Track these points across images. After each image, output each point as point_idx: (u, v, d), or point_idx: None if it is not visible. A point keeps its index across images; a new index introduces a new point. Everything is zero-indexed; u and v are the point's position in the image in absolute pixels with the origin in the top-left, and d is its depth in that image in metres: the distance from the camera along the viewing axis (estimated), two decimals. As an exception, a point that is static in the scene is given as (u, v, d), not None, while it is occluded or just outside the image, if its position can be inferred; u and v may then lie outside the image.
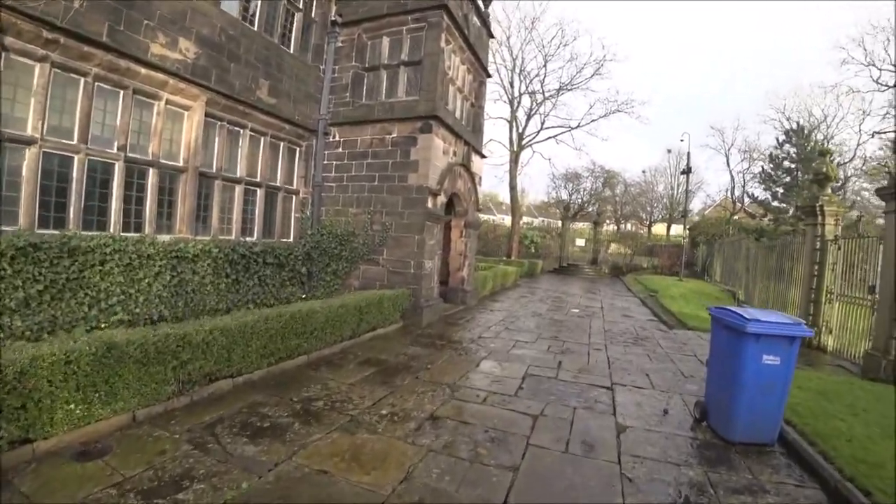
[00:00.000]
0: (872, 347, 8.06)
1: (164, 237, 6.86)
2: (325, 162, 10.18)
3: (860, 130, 30.63)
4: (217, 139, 8.03)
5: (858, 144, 30.49)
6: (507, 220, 28.70)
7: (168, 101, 7.03)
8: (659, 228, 53.19)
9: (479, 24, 12.32)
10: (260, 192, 9.00)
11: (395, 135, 9.60)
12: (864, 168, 29.30)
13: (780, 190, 29.16)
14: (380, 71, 10.13)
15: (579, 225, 42.86)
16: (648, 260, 31.88)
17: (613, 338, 9.31)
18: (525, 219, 58.17)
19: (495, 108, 44.62)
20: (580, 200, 36.17)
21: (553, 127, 28.68)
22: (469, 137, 11.44)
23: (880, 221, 23.62)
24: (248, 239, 8.62)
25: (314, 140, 10.01)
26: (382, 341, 7.64)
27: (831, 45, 68.82)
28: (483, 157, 12.91)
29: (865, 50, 28.85)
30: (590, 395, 5.63)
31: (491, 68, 27.77)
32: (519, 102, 27.94)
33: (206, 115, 7.65)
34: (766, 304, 13.97)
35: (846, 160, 29.19)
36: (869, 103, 30.63)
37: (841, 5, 65.95)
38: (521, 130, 28.05)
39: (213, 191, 8.02)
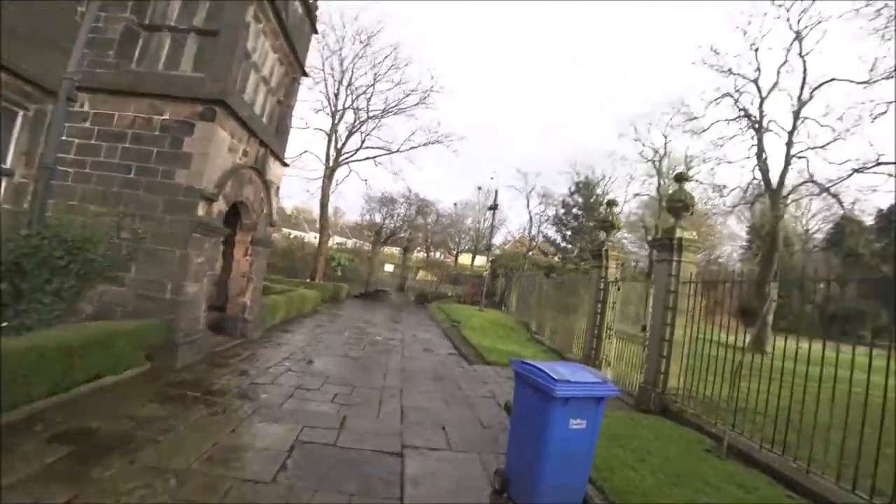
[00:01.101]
0: (644, 381, 8.58)
1: None
2: (64, 138, 7.46)
3: (627, 190, 37.14)
4: None
5: (625, 202, 36.64)
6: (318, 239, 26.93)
7: None
8: (464, 259, 56.28)
9: (301, 12, 10.84)
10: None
11: (167, 117, 7.49)
12: (626, 221, 35.22)
13: (569, 232, 33.07)
14: (163, 33, 7.95)
15: (391, 249, 42.89)
16: (453, 288, 32.96)
17: (411, 378, 8.44)
18: (338, 239, 56.55)
19: (316, 118, 42.59)
20: (393, 225, 36.11)
21: (373, 147, 28.03)
22: (269, 139, 9.77)
23: (641, 265, 28.40)
24: None
25: (50, 105, 7.31)
26: (108, 396, 5.50)
27: (615, 118, 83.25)
28: (285, 164, 11.29)
29: (636, 128, 34.95)
30: (374, 469, 4.50)
31: (317, 76, 26.19)
32: (341, 116, 26.75)
33: None
34: (554, 334, 14.88)
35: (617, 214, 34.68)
36: (634, 170, 37.21)
37: (627, 84, 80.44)
38: (340, 146, 26.77)
39: None
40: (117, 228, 7.21)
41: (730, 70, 24.47)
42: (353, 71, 26.36)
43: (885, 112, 17.73)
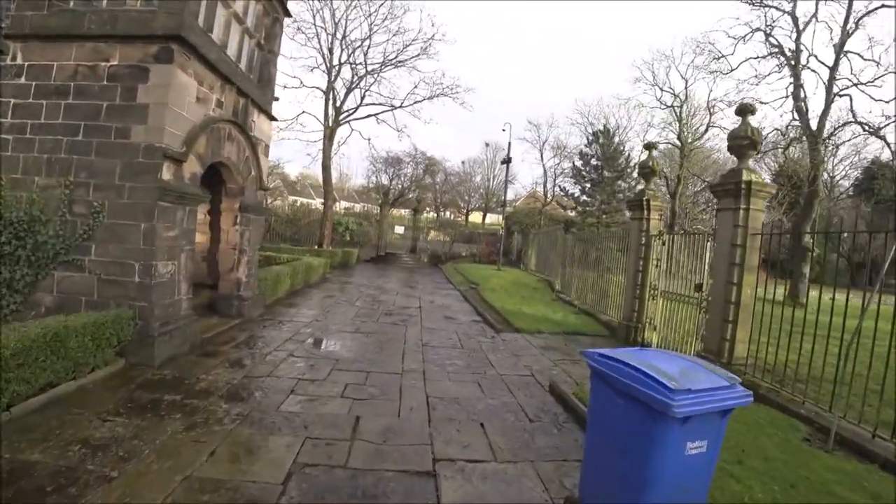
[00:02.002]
0: (704, 349, 7.38)
1: None
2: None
3: (644, 139, 34.89)
4: None
5: (641, 152, 34.34)
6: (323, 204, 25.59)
7: None
8: (475, 217, 54.89)
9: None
10: None
11: (115, 62, 6.07)
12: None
13: (588, 185, 31.23)
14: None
15: (400, 211, 41.56)
16: (467, 248, 31.74)
17: (434, 357, 7.26)
18: (345, 204, 55.27)
19: (312, 77, 40.52)
20: (401, 186, 34.60)
21: (374, 104, 26.14)
22: (249, 88, 8.35)
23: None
24: None
25: (-27, 63, 6.01)
26: (62, 411, 4.39)
27: (629, 63, 79.50)
28: (273, 118, 9.85)
29: (653, 73, 32.50)
30: (398, 499, 3.37)
31: (309, 30, 24.36)
32: (338, 73, 24.81)
33: None
34: (583, 294, 13.65)
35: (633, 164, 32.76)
36: (652, 117, 34.88)
37: (639, 30, 76.38)
38: (339, 104, 25.01)
39: None
40: (68, 202, 5.94)
41: (762, 1, 22.20)
42: (346, 23, 24.30)
43: None
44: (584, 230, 21.60)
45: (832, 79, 20.69)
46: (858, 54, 20.70)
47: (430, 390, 5.74)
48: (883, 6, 19.57)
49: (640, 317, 9.58)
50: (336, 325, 9.01)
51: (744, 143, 7.18)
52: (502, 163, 26.37)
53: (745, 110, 7.41)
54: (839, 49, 20.45)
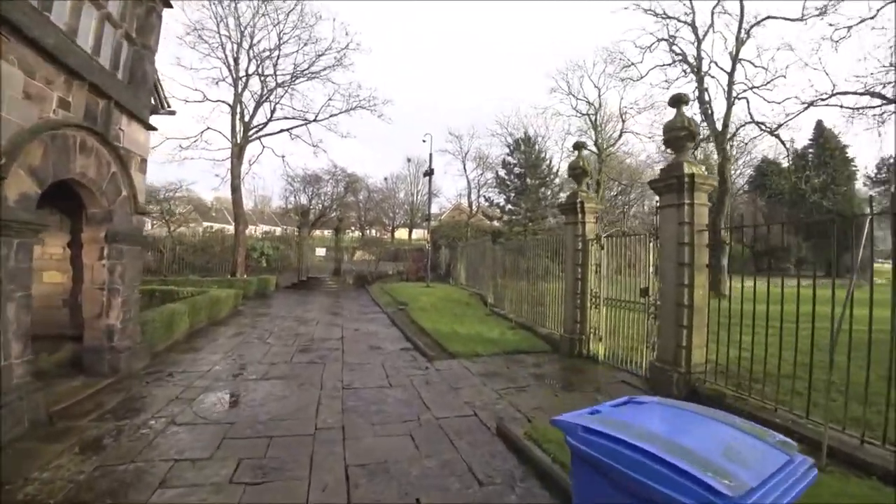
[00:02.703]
0: (658, 359, 6.73)
1: None
2: None
3: (562, 147, 35.79)
4: None
5: (561, 159, 35.56)
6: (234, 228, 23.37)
7: None
8: (401, 233, 53.87)
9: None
10: None
11: None
12: (565, 178, 34.07)
13: (513, 194, 30.99)
14: None
15: (322, 232, 39.67)
16: (394, 266, 30.51)
17: (356, 404, 5.98)
18: (264, 227, 52.30)
19: (217, 90, 37.75)
20: (321, 206, 32.85)
21: (287, 118, 24.34)
22: (114, 88, 6.79)
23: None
24: None
25: None
26: None
27: (544, 73, 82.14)
28: (151, 128, 8.22)
29: (568, 82, 33.47)
30: None
31: (213, 40, 21.95)
32: (245, 85, 22.81)
33: None
34: (517, 306, 12.89)
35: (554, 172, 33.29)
36: (569, 125, 35.79)
37: (553, 40, 79.16)
38: (247, 119, 22.98)
39: None
40: None
41: (664, 13, 23.56)
42: (254, 31, 22.52)
43: (847, 36, 16.86)
44: (511, 239, 21.14)
45: (731, 83, 22.21)
46: (750, 61, 22.33)
47: (350, 455, 4.51)
48: (769, 17, 21.19)
49: (584, 328, 8.88)
50: (240, 372, 7.49)
51: (682, 133, 6.66)
52: (424, 175, 25.53)
53: (679, 101, 6.92)
54: (734, 56, 21.98)
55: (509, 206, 30.95)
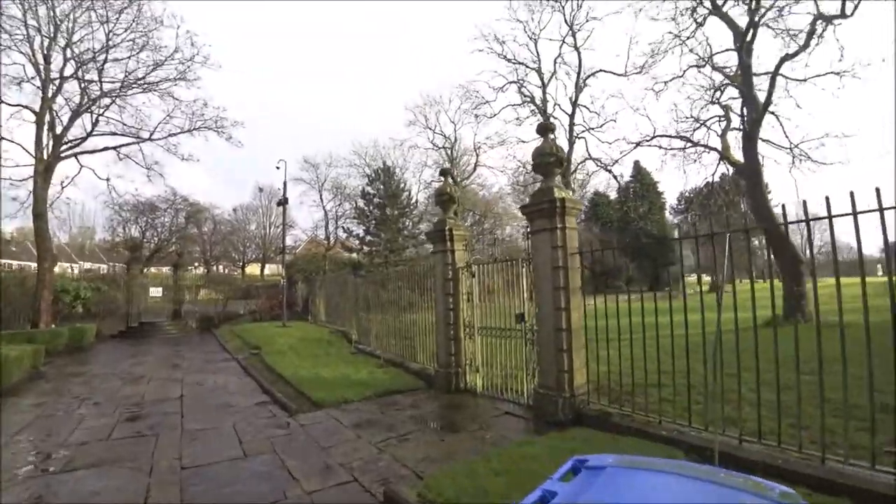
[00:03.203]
0: (541, 385, 6.56)
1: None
2: None
3: (420, 179, 36.48)
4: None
5: (419, 191, 36.18)
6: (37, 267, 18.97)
7: None
8: (253, 269, 50.10)
9: None
10: None
11: None
12: (422, 210, 34.87)
13: (373, 224, 30.32)
14: None
15: (159, 269, 34.93)
16: (245, 304, 27.73)
17: (201, 489, 4.66)
18: (85, 265, 44.74)
19: (19, 93, 30.87)
20: (157, 239, 28.86)
21: (116, 134, 20.47)
22: None
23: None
24: None
25: None
26: None
27: (404, 106, 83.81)
28: None
29: (426, 116, 34.54)
30: None
31: (17, 31, 17.90)
32: (59, 89, 18.77)
33: None
34: (384, 341, 12.15)
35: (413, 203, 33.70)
36: (427, 158, 36.62)
37: (416, 73, 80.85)
38: (59, 131, 18.97)
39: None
40: None
41: (514, 58, 25.88)
42: (72, 26, 18.78)
43: (665, 89, 19.63)
44: (372, 271, 20.46)
45: (571, 125, 24.92)
46: (586, 106, 25.36)
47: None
48: (601, 70, 24.27)
49: (459, 359, 8.49)
50: (33, 463, 5.60)
51: (550, 159, 6.69)
52: (278, 204, 23.72)
53: (546, 129, 7.00)
54: (574, 102, 24.76)
55: (369, 237, 30.27)
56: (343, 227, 33.32)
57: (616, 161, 23.43)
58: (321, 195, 36.14)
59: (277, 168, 21.04)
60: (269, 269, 50.77)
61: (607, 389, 6.20)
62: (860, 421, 4.27)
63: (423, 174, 36.75)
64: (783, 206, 4.54)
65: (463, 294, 8.57)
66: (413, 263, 19.74)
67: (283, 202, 21.70)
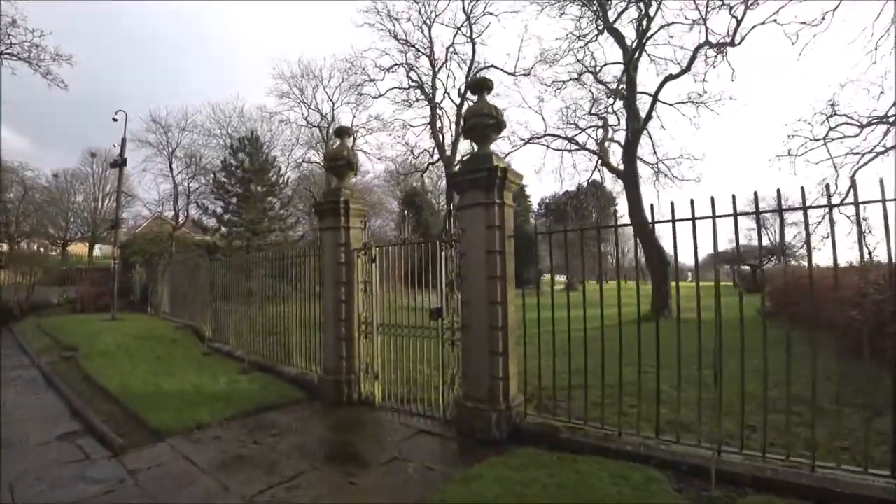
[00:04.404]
0: (466, 396, 5.29)
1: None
2: None
3: (289, 158, 33.28)
4: None
5: (288, 168, 32.91)
6: None
7: None
8: (79, 248, 42.32)
9: None
10: None
11: None
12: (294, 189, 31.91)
13: (234, 201, 26.25)
14: None
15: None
16: (62, 291, 22.59)
17: None
18: None
19: None
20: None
21: None
22: None
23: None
24: None
25: None
26: None
27: (278, 75, 76.35)
28: None
29: (301, 90, 32.09)
30: None
31: None
32: None
33: None
34: (245, 339, 9.98)
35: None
36: (299, 135, 33.12)
37: (294, 41, 73.80)
38: None
39: None
40: None
41: (406, 40, 24.79)
42: None
43: (564, 87, 19.85)
44: (231, 255, 17.64)
45: (459, 115, 24.36)
46: (472, 101, 25.48)
47: None
48: (492, 66, 24.03)
49: (352, 364, 6.89)
50: None
51: (489, 122, 5.42)
52: (112, 165, 19.33)
53: (481, 86, 5.72)
54: (462, 94, 24.21)
55: (228, 216, 26.17)
56: (197, 203, 28.57)
57: (508, 153, 23.36)
58: (171, 163, 30.98)
59: (115, 120, 17.04)
60: (102, 250, 43.12)
61: (532, 396, 5.45)
62: (778, 414, 4.18)
63: (293, 152, 33.54)
64: (651, 206, 4.90)
65: (359, 283, 6.98)
66: (283, 247, 17.35)
67: (121, 163, 17.58)
